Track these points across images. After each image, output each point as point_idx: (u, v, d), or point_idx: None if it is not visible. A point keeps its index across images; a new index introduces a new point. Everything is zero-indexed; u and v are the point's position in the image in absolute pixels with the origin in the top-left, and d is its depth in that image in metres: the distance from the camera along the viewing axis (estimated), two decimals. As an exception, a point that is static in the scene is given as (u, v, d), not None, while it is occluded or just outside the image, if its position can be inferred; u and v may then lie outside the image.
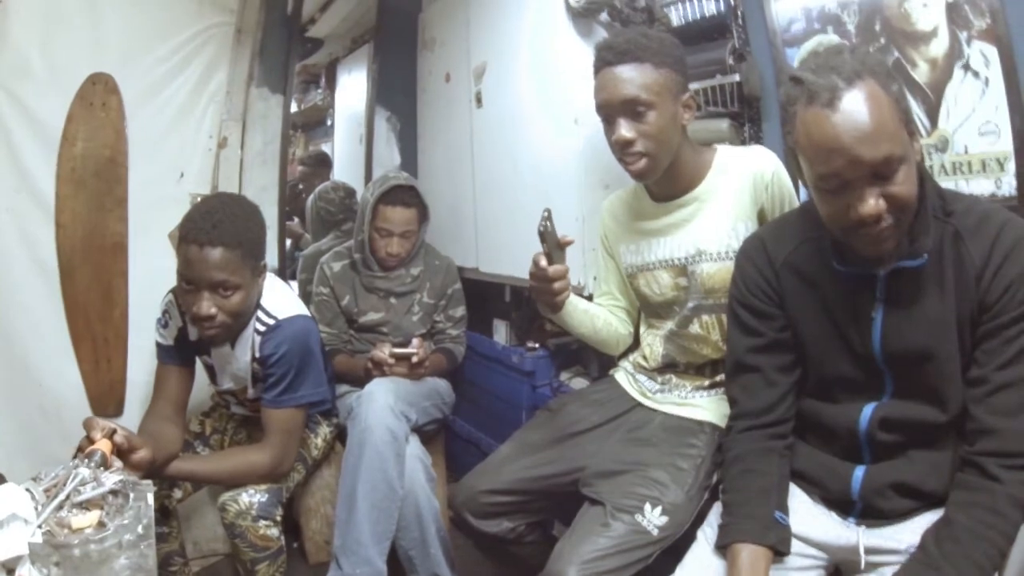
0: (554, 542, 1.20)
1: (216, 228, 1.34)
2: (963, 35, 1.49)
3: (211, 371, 1.62)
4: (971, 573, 0.88)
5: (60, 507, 0.83)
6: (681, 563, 1.09)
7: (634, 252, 1.43)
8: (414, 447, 1.74)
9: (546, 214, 1.22)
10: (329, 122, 3.77)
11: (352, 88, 3.34)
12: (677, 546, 1.16)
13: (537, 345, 2.00)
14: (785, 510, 1.05)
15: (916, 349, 0.98)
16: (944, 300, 0.97)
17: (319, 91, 4.07)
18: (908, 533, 0.98)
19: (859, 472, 1.04)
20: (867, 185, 0.90)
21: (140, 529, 0.84)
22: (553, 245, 1.23)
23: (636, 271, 1.43)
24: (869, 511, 1.04)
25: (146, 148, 1.90)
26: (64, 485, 0.85)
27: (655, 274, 1.39)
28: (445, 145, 2.38)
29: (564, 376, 1.97)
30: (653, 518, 1.17)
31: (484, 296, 2.24)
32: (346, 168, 3.37)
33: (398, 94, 2.66)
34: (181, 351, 1.54)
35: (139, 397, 1.85)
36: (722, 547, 1.04)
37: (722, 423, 1.27)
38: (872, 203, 0.90)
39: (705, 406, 1.35)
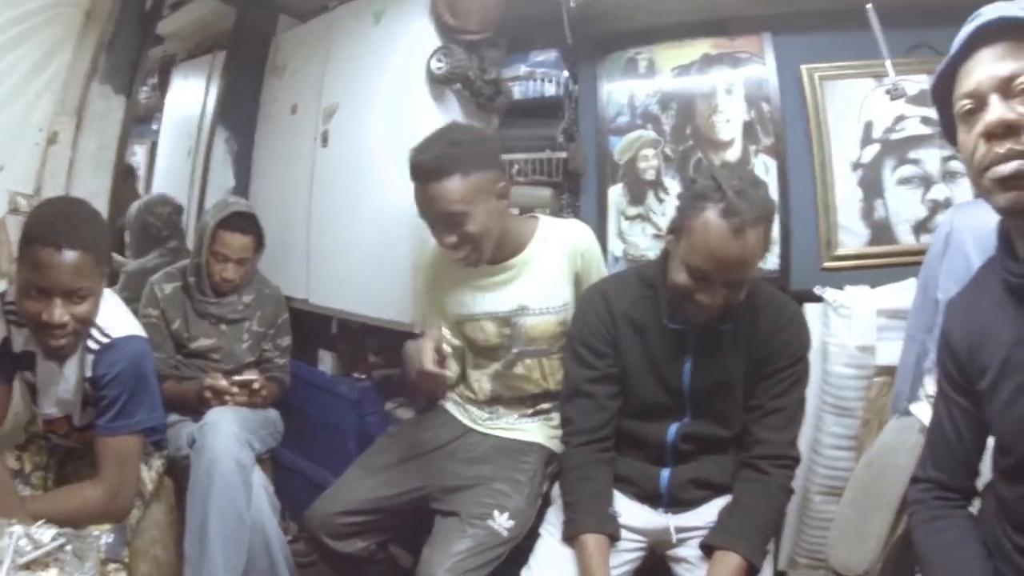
0: (396, 562, 1.43)
1: (75, 230, 1.32)
2: (752, 148, 2.03)
3: (32, 391, 1.55)
4: (754, 536, 1.31)
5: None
6: (533, 555, 1.41)
7: (460, 304, 1.68)
8: (259, 476, 1.82)
9: (445, 333, 1.41)
10: (155, 126, 3.65)
11: (187, 95, 3.28)
12: (520, 545, 1.47)
13: (363, 376, 2.21)
14: (613, 506, 1.42)
15: (713, 386, 1.41)
16: (737, 352, 1.40)
17: (146, 88, 3.93)
18: (705, 514, 1.42)
19: (666, 473, 1.45)
20: (719, 287, 1.29)
21: None
22: (443, 353, 1.41)
23: (463, 320, 1.68)
24: (674, 501, 1.45)
25: None
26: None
27: (481, 323, 1.66)
28: (284, 176, 2.50)
29: (389, 406, 2.20)
30: (502, 522, 1.46)
31: (310, 327, 2.39)
32: (168, 179, 3.28)
33: (240, 115, 2.73)
34: (5, 364, 1.49)
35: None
36: (569, 538, 1.38)
37: (547, 443, 1.64)
38: (713, 299, 1.29)
39: (531, 430, 1.67)
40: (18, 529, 0.91)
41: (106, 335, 1.46)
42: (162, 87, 3.65)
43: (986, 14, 0.85)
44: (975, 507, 1.09)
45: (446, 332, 1.43)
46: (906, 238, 1.90)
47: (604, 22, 2.07)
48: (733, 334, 1.40)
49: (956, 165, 1.83)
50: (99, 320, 1.45)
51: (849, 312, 1.80)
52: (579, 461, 1.44)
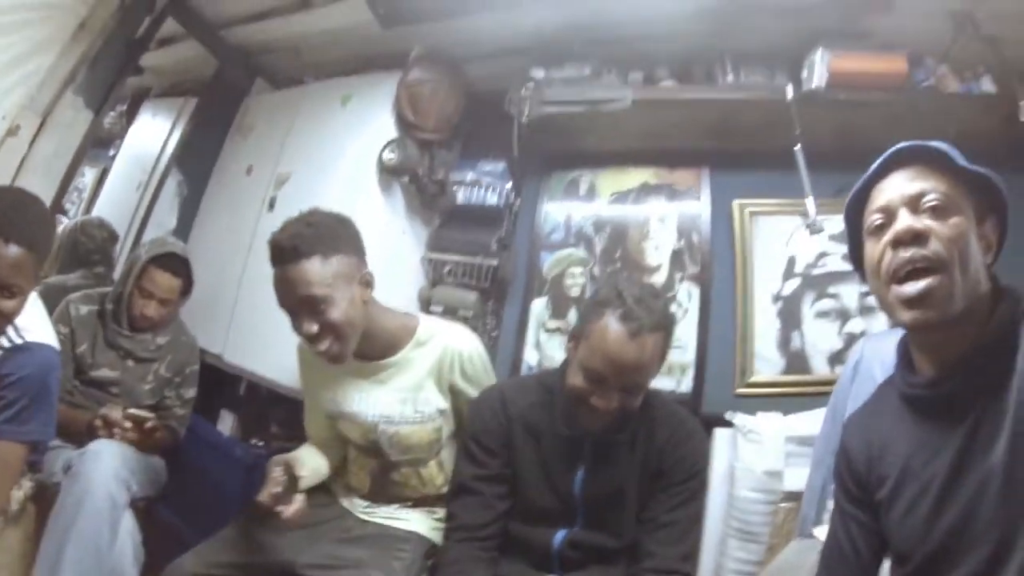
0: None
1: (27, 227, 1.31)
2: (678, 275, 2.14)
3: None
4: None
5: None
6: None
7: (331, 400, 1.61)
8: (128, 521, 1.74)
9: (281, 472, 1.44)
10: (112, 152, 3.67)
11: (151, 130, 3.34)
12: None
13: (262, 443, 2.17)
14: None
15: (605, 495, 1.41)
16: (632, 463, 1.41)
17: (113, 114, 3.96)
18: None
19: None
20: (615, 392, 1.32)
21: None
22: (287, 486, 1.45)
23: (334, 416, 1.63)
24: None
25: None
26: None
27: (349, 425, 1.62)
28: (226, 230, 2.55)
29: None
30: None
31: (217, 383, 2.36)
32: (111, 207, 3.25)
33: (197, 163, 2.80)
34: None
35: None
36: None
37: (428, 533, 1.59)
38: (608, 403, 1.33)
39: (411, 519, 1.62)
40: None
41: (20, 336, 1.41)
42: (129, 116, 3.69)
43: (903, 144, 0.96)
44: None
45: (304, 460, 1.47)
46: (821, 368, 1.98)
47: (554, 141, 2.23)
48: (629, 445, 1.42)
49: (872, 300, 1.80)
50: (17, 321, 1.40)
51: (759, 437, 1.85)
52: (458, 555, 1.42)
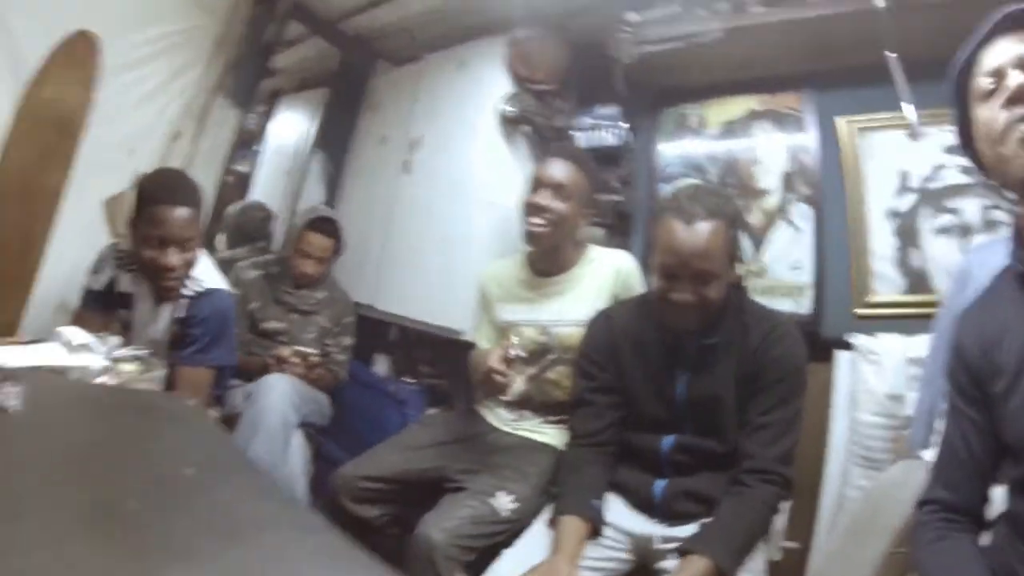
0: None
1: (186, 191, 1.68)
2: (791, 197, 2.17)
3: (126, 329, 1.81)
4: (727, 544, 1.33)
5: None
6: (520, 538, 1.51)
7: (508, 311, 1.90)
8: (297, 439, 2.07)
9: (514, 341, 1.68)
10: (256, 148, 4.14)
11: (289, 123, 3.77)
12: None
13: (413, 380, 2.47)
14: (601, 500, 1.51)
15: (706, 400, 1.49)
16: (729, 367, 1.47)
17: (253, 116, 4.44)
18: (691, 528, 1.44)
19: (660, 484, 1.52)
20: (686, 282, 1.42)
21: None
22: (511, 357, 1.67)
23: (508, 326, 1.89)
24: (668, 513, 1.50)
25: (108, 116, 2.16)
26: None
27: (523, 330, 1.86)
28: (368, 196, 2.88)
29: (432, 411, 2.42)
30: (505, 503, 1.59)
31: (371, 332, 2.68)
32: (264, 192, 3.74)
33: (335, 143, 3.15)
34: (107, 300, 1.80)
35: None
36: (551, 521, 1.48)
37: (562, 447, 1.74)
38: (684, 295, 1.42)
39: (550, 434, 1.83)
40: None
41: (201, 285, 1.79)
42: (268, 115, 4.15)
43: (1012, 7, 0.93)
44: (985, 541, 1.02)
45: (515, 340, 1.67)
46: (944, 288, 1.81)
47: (658, 79, 2.35)
48: (725, 349, 1.48)
49: (998, 214, 1.81)
50: (195, 272, 1.78)
51: (879, 359, 1.84)
52: (573, 457, 1.58)
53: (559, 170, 1.82)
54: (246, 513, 0.92)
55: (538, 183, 1.83)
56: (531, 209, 1.82)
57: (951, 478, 1.02)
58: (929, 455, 1.40)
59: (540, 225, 1.80)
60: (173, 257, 1.66)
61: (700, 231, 1.41)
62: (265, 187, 3.78)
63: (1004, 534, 0.96)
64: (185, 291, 1.78)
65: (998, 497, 1.00)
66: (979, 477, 1.00)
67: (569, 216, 1.81)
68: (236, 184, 3.90)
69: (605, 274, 1.84)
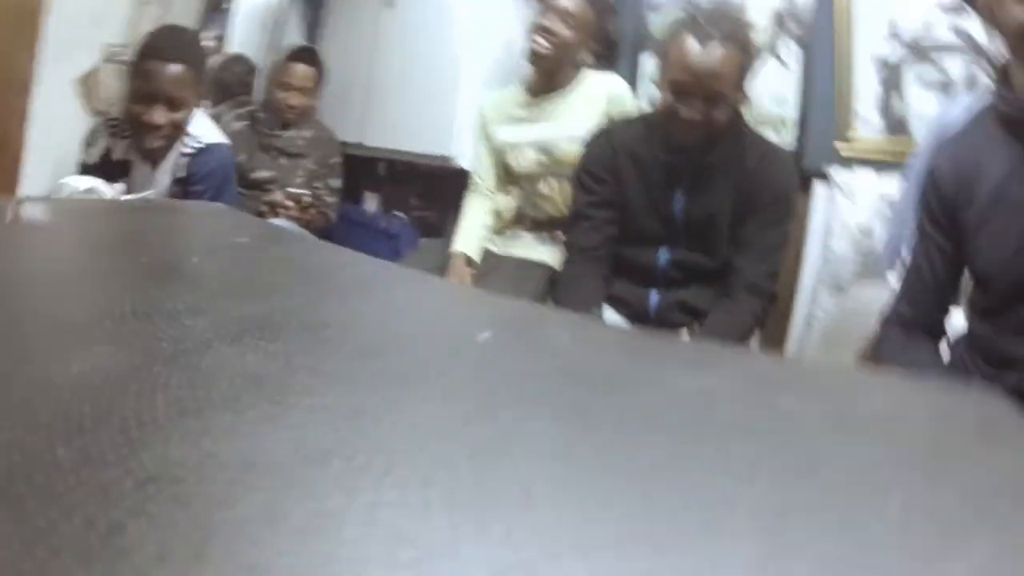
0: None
1: (182, 46, 1.64)
2: (780, 32, 2.16)
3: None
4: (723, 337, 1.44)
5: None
6: None
7: (507, 132, 1.98)
8: None
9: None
10: (227, 6, 3.97)
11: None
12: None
13: (402, 214, 2.54)
14: (600, 312, 1.59)
15: (702, 217, 1.55)
16: (726, 187, 1.53)
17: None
18: (686, 338, 1.53)
19: (654, 295, 1.62)
20: (697, 101, 1.44)
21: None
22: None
23: (508, 148, 1.98)
24: (661, 323, 1.59)
25: None
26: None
27: (522, 150, 1.96)
28: (351, 35, 2.83)
29: (424, 242, 2.52)
30: None
31: (359, 170, 2.74)
32: (244, 47, 3.54)
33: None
34: (104, 171, 1.76)
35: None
36: None
37: (554, 264, 1.84)
38: (692, 113, 1.45)
39: (542, 252, 1.94)
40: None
41: (199, 141, 1.74)
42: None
43: None
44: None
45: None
46: (920, 137, 1.91)
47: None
48: (723, 170, 1.54)
49: (980, 75, 1.85)
50: (192, 130, 1.73)
51: (853, 193, 1.93)
52: (572, 272, 1.66)
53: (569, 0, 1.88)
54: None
55: (547, 7, 1.89)
56: (537, 29, 1.88)
57: (914, 296, 1.09)
58: (893, 277, 1.51)
59: (543, 46, 1.87)
60: (159, 114, 1.61)
61: (716, 53, 1.43)
62: (243, 43, 3.64)
63: (963, 353, 1.04)
64: (185, 149, 1.75)
65: (956, 321, 1.08)
66: (940, 297, 1.07)
67: (572, 42, 1.89)
68: (216, 48, 3.78)
69: (598, 95, 1.92)
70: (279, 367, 0.38)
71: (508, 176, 2.04)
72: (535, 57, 1.90)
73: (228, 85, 3.04)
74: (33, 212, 0.67)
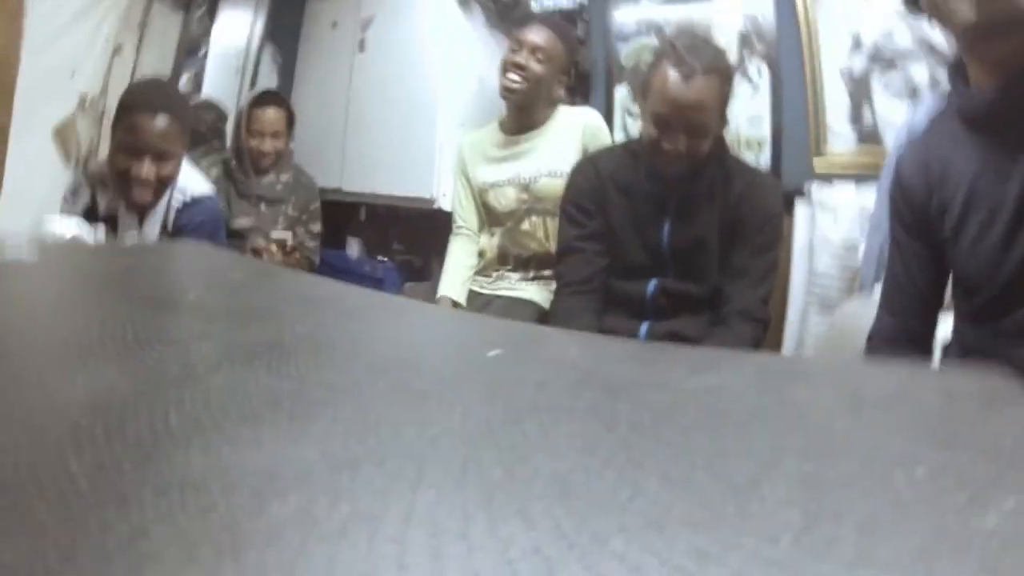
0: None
1: (168, 99, 1.63)
2: (747, 54, 2.24)
3: None
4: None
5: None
6: None
7: (487, 172, 2.01)
8: None
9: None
10: (203, 51, 4.01)
11: (234, 22, 3.64)
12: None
13: (386, 259, 2.54)
14: None
15: (690, 245, 1.56)
16: (712, 214, 1.54)
17: (195, 18, 4.26)
18: None
19: (644, 326, 1.61)
20: (680, 133, 1.47)
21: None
22: None
23: (488, 188, 2.01)
24: None
25: (39, 42, 2.04)
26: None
27: (503, 190, 1.99)
28: (324, 81, 2.88)
29: (408, 286, 2.53)
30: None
31: (340, 216, 2.76)
32: (216, 93, 3.63)
33: (285, 34, 3.11)
34: (89, 224, 1.72)
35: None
36: None
37: (543, 302, 1.88)
38: (676, 145, 1.48)
39: (530, 291, 1.96)
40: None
41: (186, 194, 1.73)
42: (211, 15, 3.99)
43: None
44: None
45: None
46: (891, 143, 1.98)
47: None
48: (708, 197, 1.55)
49: (941, 76, 1.90)
50: (181, 182, 1.71)
51: (834, 209, 1.95)
52: (564, 305, 1.65)
53: (540, 35, 1.93)
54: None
55: (519, 44, 1.93)
56: (509, 67, 1.92)
57: (894, 307, 1.07)
58: (878, 288, 1.50)
59: (515, 82, 1.91)
60: (146, 167, 1.58)
61: (699, 86, 1.45)
62: (215, 88, 3.67)
63: (954, 357, 1.02)
64: (174, 202, 1.73)
65: (945, 330, 1.05)
66: (922, 305, 1.04)
67: (544, 77, 1.92)
68: (192, 92, 3.79)
69: (574, 128, 1.97)
70: (294, 385, 0.37)
71: (490, 216, 2.05)
72: (508, 93, 1.93)
73: (199, 133, 3.04)
74: (24, 250, 0.66)
